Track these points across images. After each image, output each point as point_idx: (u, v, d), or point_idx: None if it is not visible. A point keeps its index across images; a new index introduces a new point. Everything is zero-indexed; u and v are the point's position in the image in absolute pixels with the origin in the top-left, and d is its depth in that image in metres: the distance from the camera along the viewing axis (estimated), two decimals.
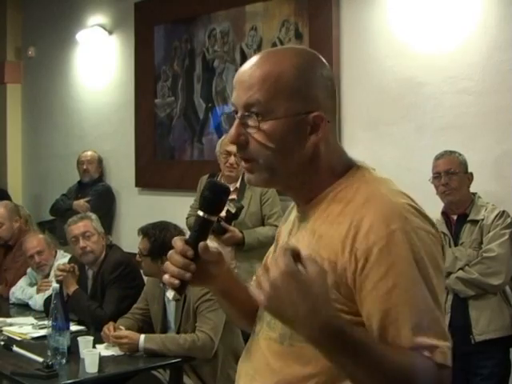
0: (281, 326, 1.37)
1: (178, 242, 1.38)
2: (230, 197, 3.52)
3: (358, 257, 1.27)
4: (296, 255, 1.20)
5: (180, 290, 1.35)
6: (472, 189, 3.60)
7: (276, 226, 4.31)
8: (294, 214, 1.49)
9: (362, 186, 1.35)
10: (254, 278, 1.27)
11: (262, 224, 4.35)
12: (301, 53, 1.41)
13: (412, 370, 1.21)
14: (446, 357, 1.23)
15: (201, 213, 1.37)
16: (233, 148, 4.34)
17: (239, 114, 1.36)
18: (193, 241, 1.38)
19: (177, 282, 1.34)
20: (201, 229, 1.38)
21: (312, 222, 1.38)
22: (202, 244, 1.38)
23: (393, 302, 1.24)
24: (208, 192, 1.38)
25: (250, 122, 1.34)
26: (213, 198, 1.38)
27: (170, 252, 1.38)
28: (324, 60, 1.42)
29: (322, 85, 1.38)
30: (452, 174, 3.51)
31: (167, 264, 1.37)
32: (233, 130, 1.36)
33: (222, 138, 4.56)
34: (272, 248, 1.60)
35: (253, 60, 1.38)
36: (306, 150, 1.36)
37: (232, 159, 4.32)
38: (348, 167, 1.41)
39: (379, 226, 1.26)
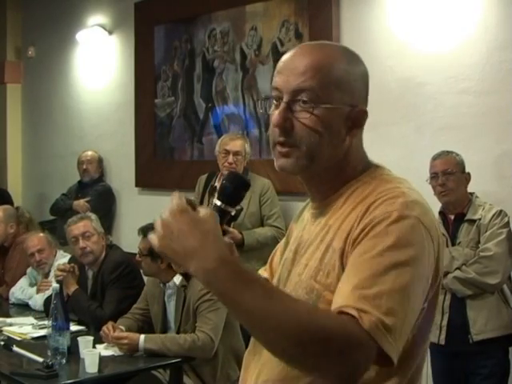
0: None
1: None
2: None
3: (356, 234, 1.29)
4: (190, 204, 1.23)
5: (187, 275, 1.34)
6: (472, 189, 3.59)
7: (275, 227, 4.32)
8: (308, 212, 1.49)
9: (380, 184, 1.36)
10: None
11: (262, 224, 4.35)
12: (345, 49, 1.44)
13: (321, 325, 1.15)
14: (376, 328, 1.16)
15: (218, 202, 1.35)
16: (232, 147, 4.35)
17: (286, 99, 1.35)
18: None
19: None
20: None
21: (327, 218, 1.39)
22: None
23: (358, 266, 1.24)
24: (229, 183, 1.36)
25: (299, 107, 1.34)
26: (233, 190, 1.35)
27: None
28: (361, 59, 1.45)
29: (363, 81, 1.41)
30: (449, 174, 3.51)
31: None
32: (279, 114, 1.35)
33: (222, 137, 4.56)
34: (282, 245, 1.59)
35: (301, 48, 1.40)
36: (345, 143, 1.38)
37: (231, 158, 4.32)
38: (368, 166, 1.43)
39: (382, 208, 1.28)
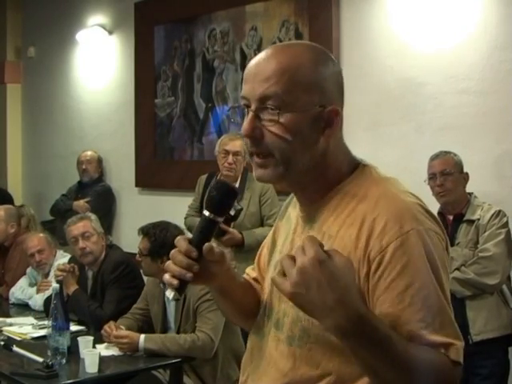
0: (288, 327, 1.36)
1: (181, 241, 1.34)
2: None
3: (372, 258, 1.26)
4: (320, 245, 1.17)
5: (180, 290, 1.32)
6: (472, 189, 3.59)
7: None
8: (295, 213, 1.47)
9: (372, 186, 1.34)
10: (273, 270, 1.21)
11: (262, 225, 4.35)
12: (313, 48, 1.39)
13: (431, 366, 1.22)
14: (459, 354, 1.29)
15: (207, 213, 1.34)
16: (231, 147, 4.34)
17: (253, 107, 1.33)
18: (197, 241, 1.34)
19: (176, 282, 1.31)
20: (206, 229, 1.34)
21: (321, 223, 1.37)
22: (207, 245, 1.34)
23: (407, 302, 1.23)
24: (215, 192, 1.34)
25: (266, 115, 1.32)
26: (220, 199, 1.34)
27: (173, 251, 1.34)
28: (333, 56, 1.43)
29: (334, 80, 1.38)
30: (447, 175, 3.50)
31: (169, 264, 1.33)
32: (247, 124, 1.33)
33: (222, 137, 4.56)
34: (269, 242, 1.57)
35: (266, 53, 1.36)
36: (320, 145, 1.34)
37: (230, 158, 4.31)
38: (354, 166, 1.40)
39: (393, 227, 1.25)
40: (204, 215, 1.34)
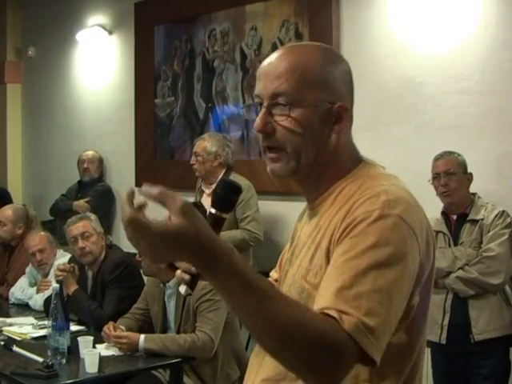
0: None
1: None
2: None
3: (339, 234, 1.31)
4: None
5: (192, 284, 1.35)
6: (472, 189, 3.59)
7: (247, 230, 4.31)
8: (306, 212, 1.52)
9: (366, 181, 1.38)
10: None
11: (237, 227, 4.33)
12: (323, 48, 1.48)
13: (309, 327, 1.16)
14: (356, 328, 1.17)
15: (213, 210, 1.39)
16: (195, 148, 4.49)
17: (266, 103, 1.40)
18: None
19: (187, 276, 1.33)
20: (213, 226, 1.36)
21: (318, 218, 1.42)
22: None
23: (337, 272, 1.24)
24: (220, 190, 1.40)
25: (278, 111, 1.39)
26: (224, 196, 1.39)
27: None
28: (343, 56, 1.50)
29: (343, 78, 1.45)
30: (451, 175, 3.51)
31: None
32: (259, 119, 1.40)
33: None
34: (287, 246, 1.59)
35: (278, 53, 1.44)
36: (330, 140, 1.41)
37: (192, 159, 4.52)
38: (356, 164, 1.45)
39: (363, 207, 1.30)
40: (210, 212, 1.39)
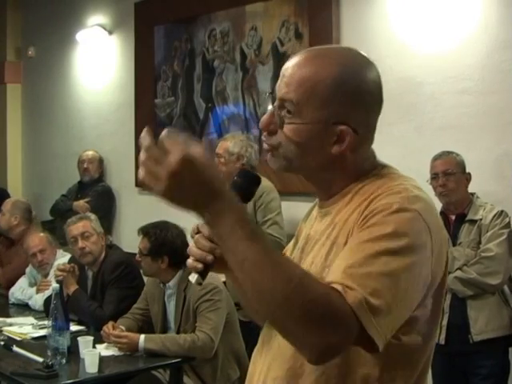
0: None
1: (205, 227, 1.35)
2: None
3: (358, 225, 1.31)
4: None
5: (203, 273, 1.34)
6: (472, 189, 3.59)
7: (269, 234, 4.19)
8: (316, 211, 1.51)
9: (387, 182, 1.38)
10: None
11: None
12: (346, 60, 1.41)
13: (307, 281, 1.17)
14: (359, 305, 1.16)
15: None
16: (217, 150, 4.33)
17: (276, 104, 1.41)
18: None
19: (200, 265, 1.33)
20: None
21: (333, 216, 1.41)
22: None
23: (350, 253, 1.25)
24: (239, 178, 1.38)
25: (284, 114, 1.39)
26: (243, 185, 1.38)
27: (197, 236, 1.37)
28: (373, 65, 1.45)
29: (359, 99, 1.39)
30: (450, 175, 3.51)
31: (191, 248, 1.36)
32: (264, 117, 1.42)
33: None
34: (291, 246, 1.59)
35: (299, 57, 1.41)
36: (326, 155, 1.38)
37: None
38: (373, 167, 1.43)
39: (383, 200, 1.30)
40: None
